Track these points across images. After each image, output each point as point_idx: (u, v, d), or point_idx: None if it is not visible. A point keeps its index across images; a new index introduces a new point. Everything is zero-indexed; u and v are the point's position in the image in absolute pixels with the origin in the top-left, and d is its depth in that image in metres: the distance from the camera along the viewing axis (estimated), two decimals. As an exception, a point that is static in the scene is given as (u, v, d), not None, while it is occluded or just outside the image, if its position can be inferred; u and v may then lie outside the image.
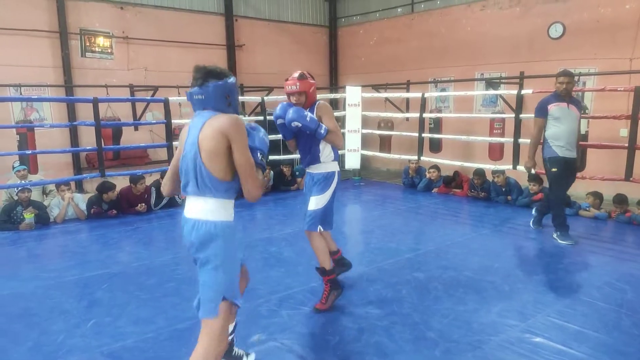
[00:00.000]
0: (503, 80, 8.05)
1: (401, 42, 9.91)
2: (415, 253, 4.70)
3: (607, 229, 5.57)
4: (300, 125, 3.21)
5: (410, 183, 8.11)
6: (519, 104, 6.72)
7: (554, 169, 4.88)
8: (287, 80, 3.34)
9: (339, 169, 3.56)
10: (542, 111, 4.95)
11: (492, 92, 7.90)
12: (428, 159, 7.97)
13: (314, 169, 3.46)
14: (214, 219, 2.11)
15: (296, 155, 9.02)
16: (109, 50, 8.45)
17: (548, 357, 2.75)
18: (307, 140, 3.38)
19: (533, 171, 5.46)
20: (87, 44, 8.23)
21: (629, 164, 5.68)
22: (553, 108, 4.85)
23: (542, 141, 5.05)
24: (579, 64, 7.19)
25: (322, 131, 3.26)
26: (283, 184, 7.94)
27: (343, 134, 8.66)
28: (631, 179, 5.71)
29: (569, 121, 4.81)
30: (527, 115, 6.92)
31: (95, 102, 6.39)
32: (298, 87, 3.29)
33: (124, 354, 2.87)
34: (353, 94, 8.53)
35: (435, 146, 8.44)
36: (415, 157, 8.01)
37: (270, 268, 4.32)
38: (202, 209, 2.12)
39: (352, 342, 2.97)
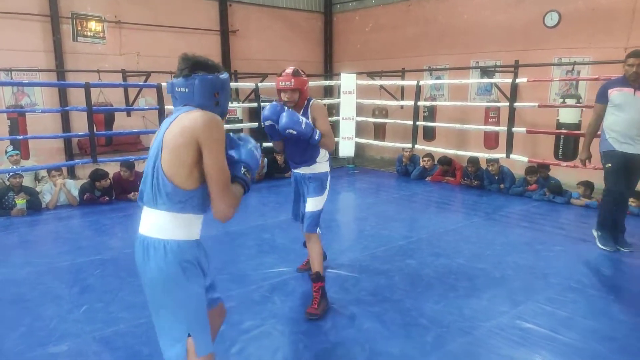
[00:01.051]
0: (498, 69, 8.03)
1: (397, 29, 9.84)
2: (408, 240, 4.72)
3: (598, 218, 5.61)
4: (295, 132, 3.03)
5: (404, 171, 8.12)
6: (514, 93, 6.71)
7: (608, 165, 4.26)
8: (279, 75, 3.15)
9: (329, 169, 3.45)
10: (602, 96, 4.31)
11: (487, 80, 7.89)
12: (422, 147, 7.97)
13: (308, 170, 3.32)
14: (165, 238, 1.73)
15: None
16: (101, 35, 8.34)
17: (537, 342, 2.79)
18: (298, 141, 3.17)
19: (588, 164, 4.71)
20: (79, 28, 8.11)
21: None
22: (614, 93, 4.19)
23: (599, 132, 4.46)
24: (574, 52, 7.19)
25: (317, 137, 3.10)
26: (277, 171, 7.92)
27: (337, 121, 8.65)
28: (623, 168, 5.72)
29: (632, 110, 4.09)
30: (522, 104, 6.93)
31: (87, 87, 6.32)
32: (293, 83, 3.09)
33: (116, 339, 2.88)
34: (348, 81, 8.49)
35: (430, 134, 8.44)
36: (409, 145, 8.01)
37: (264, 255, 4.33)
38: (154, 223, 1.75)
39: (344, 327, 3.00)
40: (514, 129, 6.69)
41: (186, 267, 1.73)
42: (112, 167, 6.71)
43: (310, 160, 3.29)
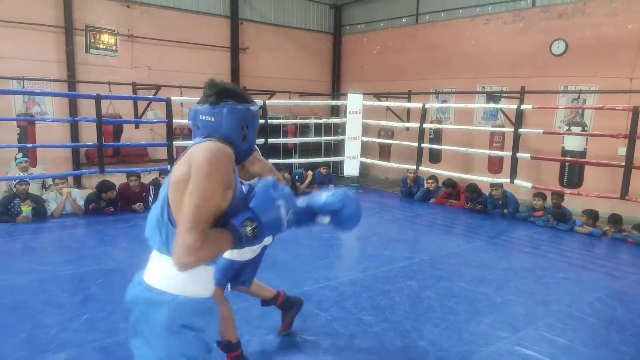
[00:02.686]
0: (504, 95, 8.11)
1: (404, 52, 9.97)
2: (409, 262, 4.72)
3: (602, 246, 5.60)
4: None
5: (408, 192, 8.14)
6: (519, 119, 6.77)
7: None
8: None
9: None
10: None
11: (492, 105, 7.96)
12: (427, 169, 8.01)
13: None
14: (155, 284, 1.50)
15: (295, 160, 9.08)
16: (114, 48, 8.50)
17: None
18: None
19: None
20: (92, 40, 8.27)
21: (625, 182, 5.72)
22: None
23: None
24: (580, 81, 7.26)
25: None
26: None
27: (343, 140, 8.71)
28: (627, 197, 5.75)
29: None
30: (526, 130, 6.98)
31: (97, 98, 6.42)
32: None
33: (116, 349, 2.88)
34: (354, 102, 8.58)
35: (435, 157, 8.49)
36: (414, 167, 8.05)
37: (264, 270, 4.31)
38: (150, 266, 1.55)
39: (344, 347, 2.99)
40: (519, 155, 6.72)
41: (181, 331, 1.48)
42: (118, 178, 6.77)
43: None
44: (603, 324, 3.43)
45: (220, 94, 1.58)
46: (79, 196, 6.38)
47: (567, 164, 6.51)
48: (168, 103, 6.86)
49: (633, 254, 5.31)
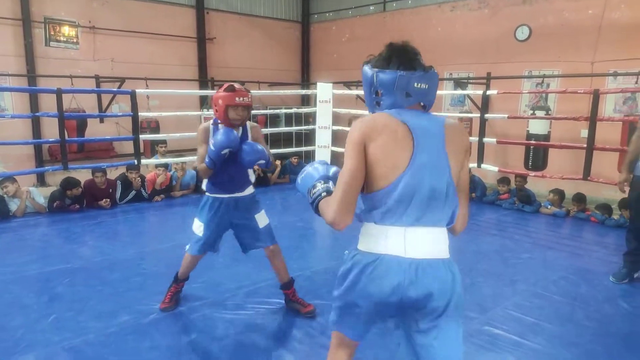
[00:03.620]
0: (471, 81, 8.23)
1: (373, 40, 9.97)
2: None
3: (566, 226, 5.78)
4: (263, 162, 2.92)
5: (380, 180, 8.20)
6: (485, 104, 6.88)
7: (634, 192, 3.77)
8: (233, 90, 2.87)
9: None
10: None
11: (459, 91, 8.06)
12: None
13: (245, 192, 3.14)
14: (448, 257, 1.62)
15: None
16: (75, 40, 8.22)
17: (506, 348, 2.85)
18: (235, 167, 2.98)
19: (625, 189, 3.98)
20: (52, 32, 7.98)
21: (587, 163, 5.90)
22: None
23: None
24: (544, 66, 7.42)
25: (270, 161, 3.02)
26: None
27: (314, 130, 8.69)
28: (589, 177, 5.94)
29: None
30: (492, 115, 7.11)
31: (58, 92, 6.21)
32: (250, 99, 2.92)
33: (85, 349, 2.83)
34: (324, 91, 8.55)
35: (405, 144, 8.55)
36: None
37: (238, 263, 4.31)
38: (443, 241, 1.60)
39: (318, 335, 3.01)
40: (485, 139, 6.85)
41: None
42: (83, 174, 6.59)
43: (246, 182, 3.15)
44: (567, 301, 3.56)
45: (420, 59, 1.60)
46: (38, 194, 6.17)
47: (531, 147, 6.66)
48: (133, 96, 6.69)
49: (595, 232, 5.50)
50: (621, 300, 3.60)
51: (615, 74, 6.63)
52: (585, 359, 2.78)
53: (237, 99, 2.85)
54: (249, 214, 3.13)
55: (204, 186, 3.15)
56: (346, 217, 1.54)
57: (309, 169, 1.79)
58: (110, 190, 6.40)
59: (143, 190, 6.66)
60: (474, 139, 7.08)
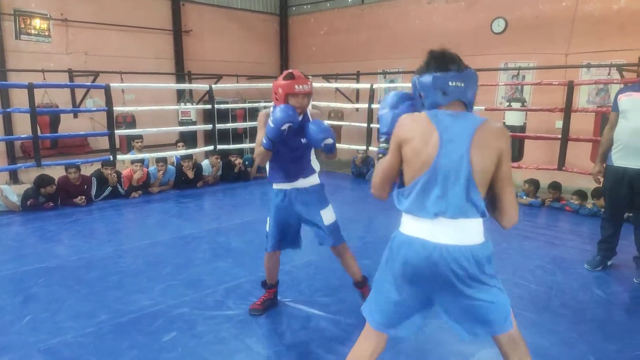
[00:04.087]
0: (448, 73, 8.26)
1: (351, 32, 9.96)
2: (363, 241, 4.79)
3: (542, 216, 5.90)
4: (330, 142, 2.79)
5: (359, 172, 8.23)
6: (463, 96, 6.92)
7: (608, 181, 3.80)
8: (292, 78, 2.78)
9: None
10: (614, 103, 3.78)
11: (438, 84, 8.10)
12: (376, 149, 8.09)
13: (307, 182, 2.99)
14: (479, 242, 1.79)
15: (245, 145, 8.94)
16: (46, 33, 7.98)
17: (484, 337, 2.88)
18: (297, 149, 2.88)
19: (600, 179, 4.03)
20: (22, 25, 7.73)
21: (562, 154, 6.02)
22: (623, 99, 3.66)
23: None
24: (519, 58, 7.52)
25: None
26: (232, 174, 7.83)
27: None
28: (563, 168, 6.06)
29: (637, 118, 3.54)
30: (470, 107, 7.18)
31: (30, 87, 6.04)
32: (310, 87, 2.80)
33: (63, 349, 2.77)
34: (303, 84, 8.50)
35: (384, 136, 8.58)
36: (364, 147, 8.13)
37: (218, 259, 4.28)
38: (470, 229, 1.76)
39: (299, 329, 3.01)
40: (463, 131, 6.90)
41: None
42: (57, 171, 6.43)
43: (308, 170, 3.00)
44: (544, 289, 3.63)
45: (458, 58, 1.78)
46: (11, 192, 6.01)
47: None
48: (107, 90, 6.55)
49: (571, 222, 5.63)
50: (595, 287, 3.69)
51: (588, 66, 6.76)
52: (562, 346, 2.84)
53: (297, 86, 2.75)
54: (314, 208, 2.97)
55: (268, 176, 3.04)
56: (381, 194, 1.95)
57: (384, 110, 2.02)
58: (86, 187, 6.27)
59: (119, 187, 6.55)
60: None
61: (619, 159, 3.68)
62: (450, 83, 1.74)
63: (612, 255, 4.08)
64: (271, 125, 2.68)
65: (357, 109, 8.90)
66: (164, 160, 7.08)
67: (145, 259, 4.22)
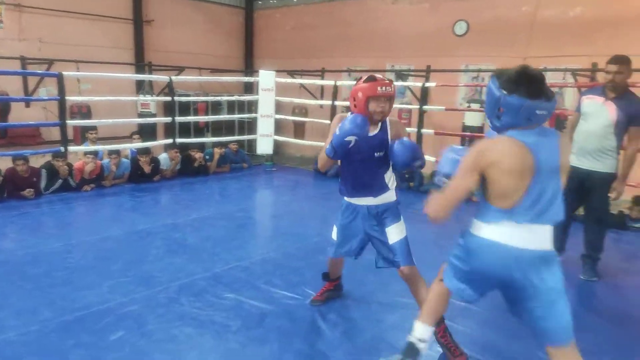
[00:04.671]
0: (411, 73, 8.39)
1: (317, 29, 9.94)
2: (321, 237, 4.75)
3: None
4: (418, 162, 2.64)
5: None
6: (424, 96, 7.04)
7: (570, 182, 3.97)
8: (374, 80, 2.54)
9: None
10: (578, 104, 3.94)
11: (400, 83, 8.19)
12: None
13: (380, 199, 2.77)
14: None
15: (207, 139, 8.78)
16: (-3, 17, 7.61)
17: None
18: (369, 163, 2.66)
19: None
20: (-31, 8, 7.34)
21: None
22: (585, 101, 3.80)
23: None
24: (480, 60, 7.69)
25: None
26: (191, 168, 7.65)
27: (256, 118, 8.57)
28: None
29: (595, 120, 3.66)
30: (431, 107, 7.29)
31: (-24, 73, 5.73)
32: (393, 89, 2.57)
33: (4, 348, 2.63)
34: (267, 79, 8.43)
35: (347, 134, 8.61)
36: (327, 144, 8.11)
37: (173, 255, 4.17)
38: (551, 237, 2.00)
39: (254, 327, 2.96)
40: (423, 130, 7.02)
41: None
42: (5, 162, 6.13)
43: (382, 187, 2.75)
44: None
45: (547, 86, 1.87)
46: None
47: (467, 138, 6.90)
48: (60, 79, 6.27)
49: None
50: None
51: (545, 70, 6.96)
52: (511, 340, 2.91)
53: (379, 88, 2.51)
54: (380, 225, 2.77)
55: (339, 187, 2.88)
56: (446, 217, 2.11)
57: (453, 155, 2.21)
58: (35, 179, 5.99)
59: (70, 180, 6.29)
60: (413, 129, 7.25)
61: (573, 159, 3.78)
62: (537, 111, 1.82)
63: (561, 253, 4.21)
64: (337, 132, 2.50)
65: (321, 106, 8.88)
66: (116, 152, 6.82)
67: (95, 255, 4.06)
